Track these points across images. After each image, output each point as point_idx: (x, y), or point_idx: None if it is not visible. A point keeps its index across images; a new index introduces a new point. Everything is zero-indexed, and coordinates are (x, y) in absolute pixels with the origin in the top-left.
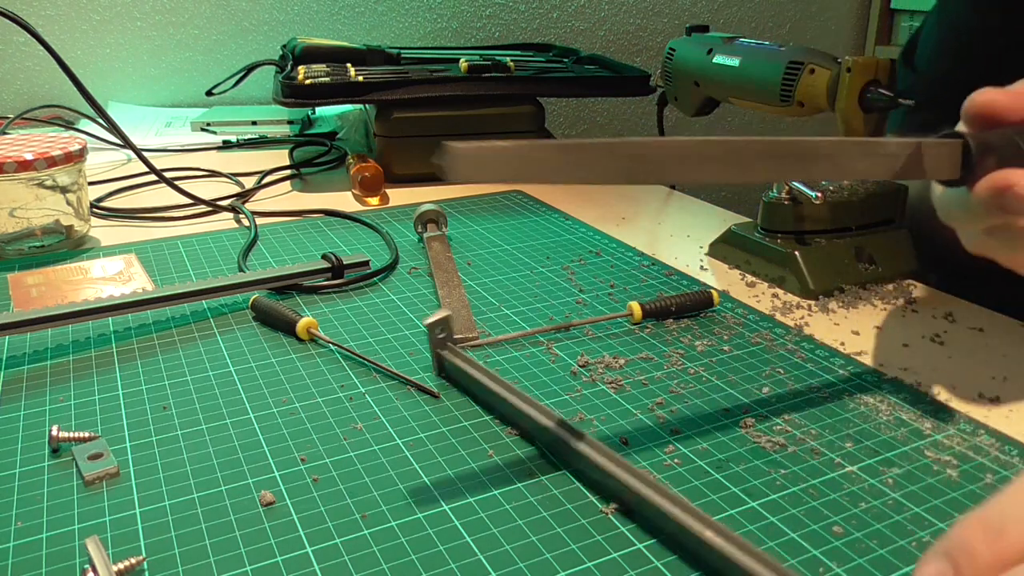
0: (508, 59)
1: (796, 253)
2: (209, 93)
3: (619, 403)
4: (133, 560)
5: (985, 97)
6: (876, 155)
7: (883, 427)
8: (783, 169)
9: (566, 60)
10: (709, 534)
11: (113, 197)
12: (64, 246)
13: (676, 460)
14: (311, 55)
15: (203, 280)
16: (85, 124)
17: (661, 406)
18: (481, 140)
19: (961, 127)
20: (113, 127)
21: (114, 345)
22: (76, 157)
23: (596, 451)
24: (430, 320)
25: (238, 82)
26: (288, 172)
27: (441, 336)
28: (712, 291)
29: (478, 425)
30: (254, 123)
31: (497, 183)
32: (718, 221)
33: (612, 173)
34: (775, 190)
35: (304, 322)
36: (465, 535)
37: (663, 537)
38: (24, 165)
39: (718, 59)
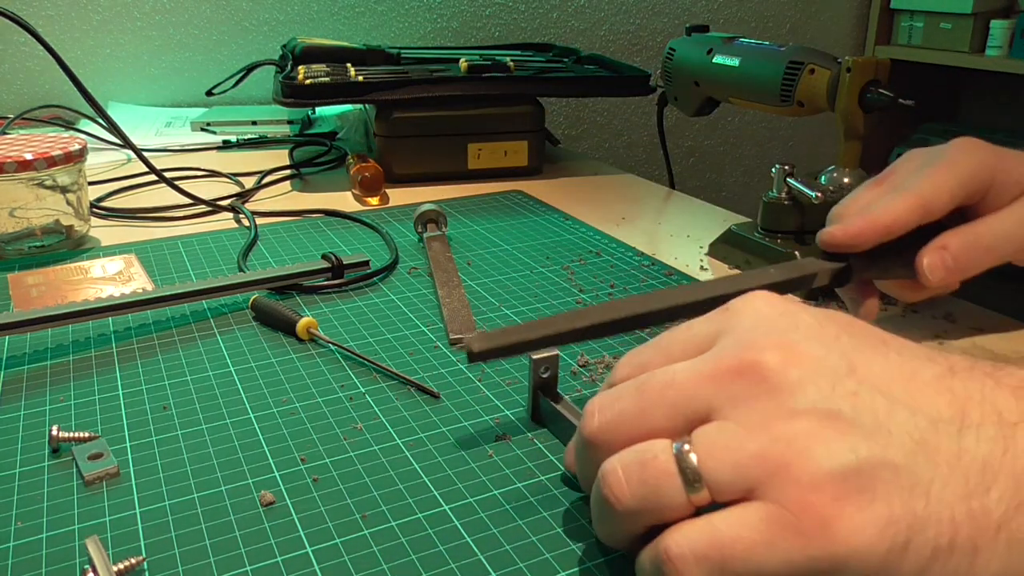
0: (508, 59)
1: (796, 253)
2: (209, 93)
3: None
4: (133, 560)
5: (828, 236)
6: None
7: None
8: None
9: (566, 60)
10: None
11: (113, 197)
12: (64, 246)
13: None
14: (311, 55)
15: (203, 280)
16: (85, 124)
17: None
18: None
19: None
20: (113, 127)
21: (114, 345)
22: (76, 157)
23: None
24: (538, 356)
25: (238, 82)
26: (288, 172)
27: (545, 375)
28: None
29: (478, 425)
30: (254, 123)
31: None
32: (718, 221)
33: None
34: (775, 190)
35: (304, 322)
36: (465, 535)
37: None
38: (24, 165)
39: (718, 59)
